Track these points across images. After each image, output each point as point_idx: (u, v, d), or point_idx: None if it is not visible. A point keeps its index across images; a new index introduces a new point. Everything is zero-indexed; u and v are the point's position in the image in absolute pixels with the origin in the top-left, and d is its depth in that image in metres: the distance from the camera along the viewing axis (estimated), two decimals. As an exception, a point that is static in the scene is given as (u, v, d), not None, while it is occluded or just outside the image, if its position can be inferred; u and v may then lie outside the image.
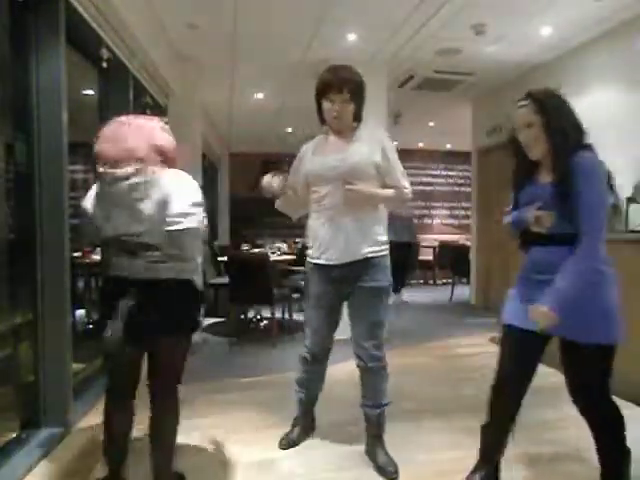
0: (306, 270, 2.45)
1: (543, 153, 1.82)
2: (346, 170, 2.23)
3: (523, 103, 1.85)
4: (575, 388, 1.98)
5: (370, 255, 2.26)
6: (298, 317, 4.78)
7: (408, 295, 7.86)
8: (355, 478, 2.29)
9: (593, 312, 1.81)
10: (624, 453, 1.94)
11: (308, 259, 2.40)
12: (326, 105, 2.27)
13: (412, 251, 7.14)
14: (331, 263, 2.27)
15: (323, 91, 2.27)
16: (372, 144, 2.31)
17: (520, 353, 1.99)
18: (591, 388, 1.95)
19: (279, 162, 2.43)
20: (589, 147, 1.81)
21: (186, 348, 1.90)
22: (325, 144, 2.37)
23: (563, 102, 1.87)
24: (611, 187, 1.84)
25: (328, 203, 2.25)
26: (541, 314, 1.76)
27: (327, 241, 2.26)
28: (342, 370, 3.91)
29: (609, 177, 1.81)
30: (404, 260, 6.00)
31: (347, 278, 2.27)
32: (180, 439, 2.69)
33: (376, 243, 2.29)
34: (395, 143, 2.52)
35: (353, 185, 2.18)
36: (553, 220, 1.79)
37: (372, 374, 2.37)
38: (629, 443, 2.00)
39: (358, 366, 2.40)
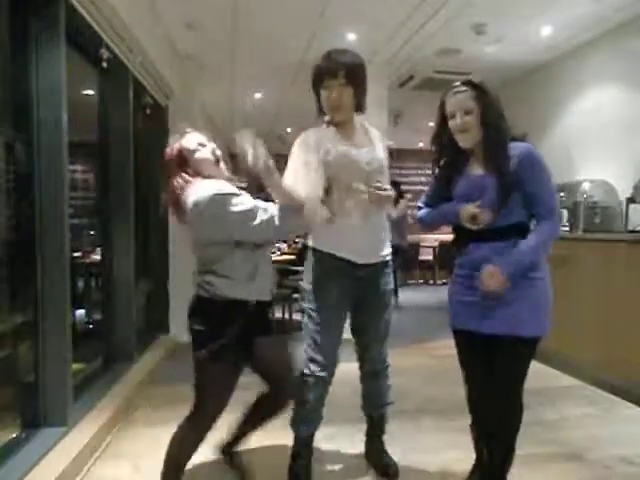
0: (316, 264, 2.09)
1: (475, 142, 1.79)
2: (377, 166, 2.07)
3: (462, 89, 1.81)
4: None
5: (388, 257, 2.17)
6: (298, 317, 4.78)
7: (408, 295, 7.87)
8: (355, 478, 2.29)
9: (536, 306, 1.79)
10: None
11: (324, 249, 2.06)
12: (323, 94, 2.05)
13: (400, 254, 7.10)
14: (359, 262, 2.04)
15: (319, 79, 2.06)
16: (378, 139, 2.22)
17: (472, 357, 1.95)
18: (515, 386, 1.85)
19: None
20: (519, 139, 1.82)
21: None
22: (336, 135, 2.08)
23: (497, 96, 1.84)
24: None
25: (357, 200, 2.00)
26: (491, 274, 1.72)
27: (357, 239, 2.03)
28: (341, 370, 3.91)
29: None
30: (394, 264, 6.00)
31: (367, 279, 2.09)
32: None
33: (388, 245, 2.19)
34: (391, 143, 2.48)
35: (381, 183, 2.01)
36: (490, 217, 1.76)
37: (381, 376, 2.31)
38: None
39: (365, 371, 2.29)
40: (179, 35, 4.25)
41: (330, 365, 2.12)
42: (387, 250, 2.17)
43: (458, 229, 1.90)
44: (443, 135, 1.89)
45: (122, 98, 3.56)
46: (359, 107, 2.17)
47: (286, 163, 2.08)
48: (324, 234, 2.05)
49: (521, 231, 1.79)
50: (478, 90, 1.79)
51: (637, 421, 2.92)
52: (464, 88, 1.81)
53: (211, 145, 2.05)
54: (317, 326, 2.08)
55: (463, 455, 2.48)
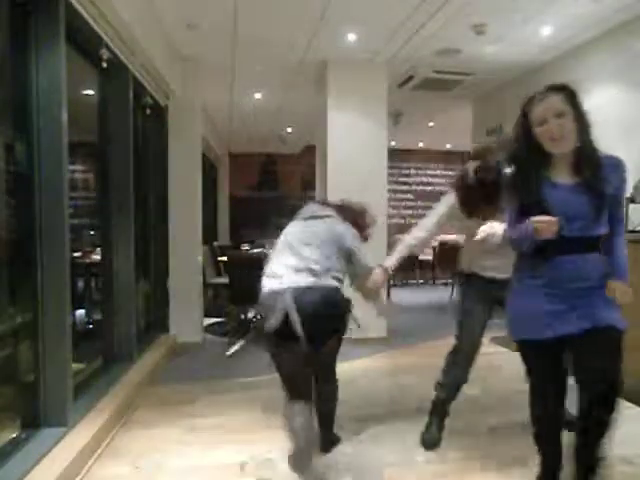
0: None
1: (570, 147, 1.72)
2: None
3: (551, 92, 1.74)
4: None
5: None
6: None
7: (408, 295, 7.87)
8: (355, 478, 2.29)
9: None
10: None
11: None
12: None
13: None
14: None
15: None
16: None
17: (555, 366, 1.89)
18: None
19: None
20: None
21: None
22: None
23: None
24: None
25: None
26: (621, 290, 1.74)
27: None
28: (342, 370, 3.91)
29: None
30: None
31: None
32: (180, 439, 2.70)
33: None
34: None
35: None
36: (557, 227, 1.69)
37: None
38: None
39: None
40: (179, 35, 4.25)
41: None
42: None
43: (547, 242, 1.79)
44: (525, 149, 1.80)
45: (122, 98, 3.56)
46: None
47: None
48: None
49: (601, 242, 1.79)
50: (570, 94, 1.74)
51: (637, 421, 2.91)
52: (553, 91, 1.75)
53: None
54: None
55: (463, 455, 2.48)
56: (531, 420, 1.96)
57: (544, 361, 1.88)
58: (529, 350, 1.90)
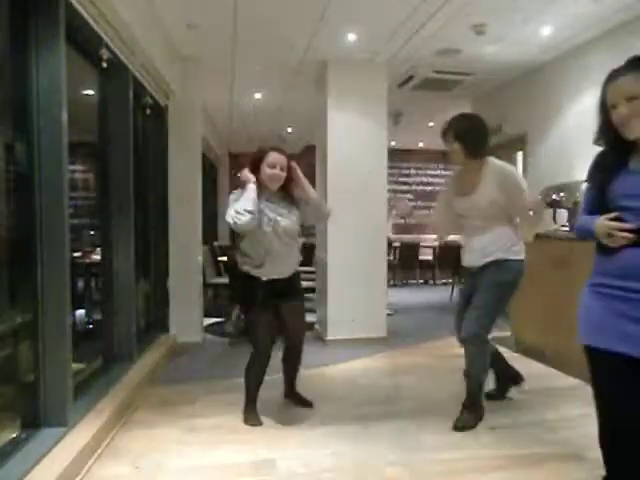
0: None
1: None
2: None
3: (623, 71, 1.52)
4: None
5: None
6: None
7: (408, 295, 7.86)
8: (355, 478, 2.29)
9: None
10: None
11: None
12: None
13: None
14: None
15: None
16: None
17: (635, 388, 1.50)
18: None
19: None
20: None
21: None
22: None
23: None
24: None
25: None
26: None
27: None
28: (342, 370, 3.91)
29: None
30: None
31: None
32: (180, 439, 2.70)
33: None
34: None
35: None
36: (631, 234, 1.44)
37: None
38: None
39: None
40: (179, 35, 4.25)
41: None
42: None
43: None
44: (608, 132, 1.58)
45: (122, 98, 3.55)
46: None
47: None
48: None
49: None
50: None
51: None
52: (625, 70, 1.52)
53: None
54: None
55: (463, 455, 2.48)
56: None
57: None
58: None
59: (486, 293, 2.74)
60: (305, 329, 3.11)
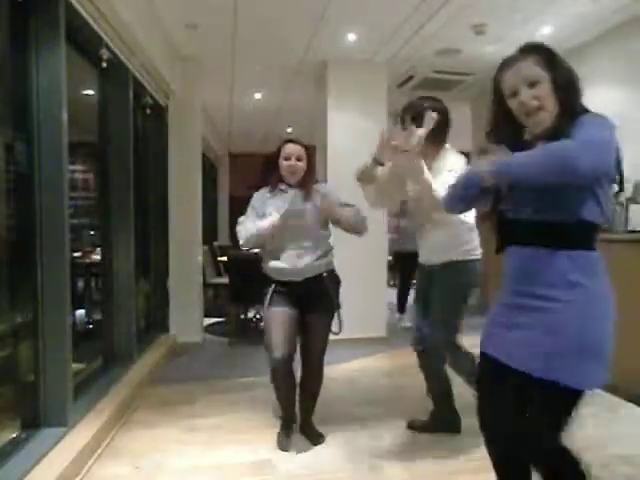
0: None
1: (552, 120, 1.35)
2: None
3: (520, 56, 1.40)
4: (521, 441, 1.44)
5: None
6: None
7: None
8: (354, 478, 2.29)
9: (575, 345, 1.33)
10: None
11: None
12: None
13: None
14: None
15: None
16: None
17: (494, 392, 1.50)
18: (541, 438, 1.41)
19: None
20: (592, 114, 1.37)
21: None
22: None
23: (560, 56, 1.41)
24: (618, 164, 1.38)
25: None
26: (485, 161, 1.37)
27: None
28: (342, 370, 3.91)
29: (617, 149, 1.36)
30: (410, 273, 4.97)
31: None
32: (180, 439, 2.70)
33: None
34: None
35: None
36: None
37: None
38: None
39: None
40: (179, 35, 4.25)
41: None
42: None
43: (501, 223, 1.46)
44: (502, 126, 1.46)
45: (122, 98, 3.56)
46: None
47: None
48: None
49: (585, 235, 1.35)
50: (545, 54, 1.38)
51: (637, 421, 2.92)
52: (521, 56, 1.40)
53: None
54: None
55: (463, 455, 2.48)
56: None
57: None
58: None
59: (444, 299, 2.56)
60: (324, 349, 2.60)
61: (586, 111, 1.38)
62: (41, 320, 2.41)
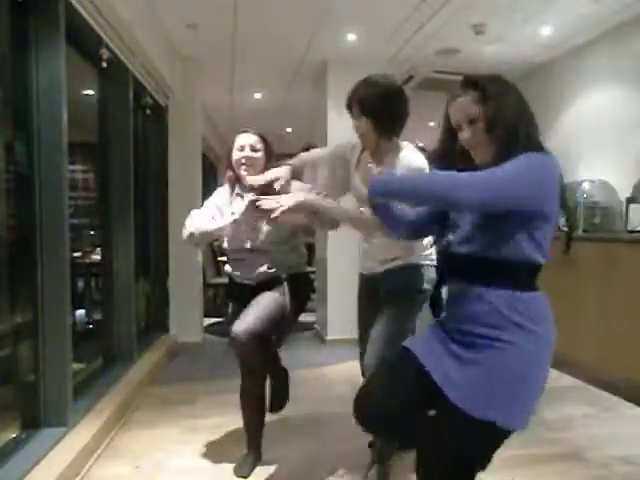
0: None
1: (492, 155, 1.32)
2: None
3: (460, 92, 1.37)
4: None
5: None
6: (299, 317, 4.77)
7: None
8: (355, 478, 2.29)
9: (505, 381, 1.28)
10: None
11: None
12: None
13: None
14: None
15: None
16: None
17: (400, 385, 1.44)
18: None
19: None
20: (543, 149, 1.31)
21: None
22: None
23: (509, 87, 1.36)
24: (563, 201, 1.34)
25: None
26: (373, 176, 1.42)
27: None
28: (342, 370, 3.91)
29: (562, 188, 1.32)
30: None
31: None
32: (180, 439, 2.71)
33: None
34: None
35: None
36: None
37: None
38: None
39: None
40: (179, 35, 4.25)
41: None
42: None
43: (443, 256, 1.47)
44: (452, 152, 1.44)
45: (122, 98, 3.56)
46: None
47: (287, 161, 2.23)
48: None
49: (527, 274, 1.32)
50: (478, 88, 1.34)
51: (637, 421, 2.92)
52: (462, 90, 1.37)
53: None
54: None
55: (463, 455, 2.48)
56: None
57: None
58: None
59: (394, 312, 2.05)
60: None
61: (537, 148, 1.30)
62: (41, 320, 2.41)
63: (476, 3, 3.70)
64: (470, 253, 1.34)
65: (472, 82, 1.35)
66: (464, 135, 1.36)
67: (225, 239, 2.33)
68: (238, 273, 2.35)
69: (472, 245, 1.33)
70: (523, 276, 1.32)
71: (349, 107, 2.03)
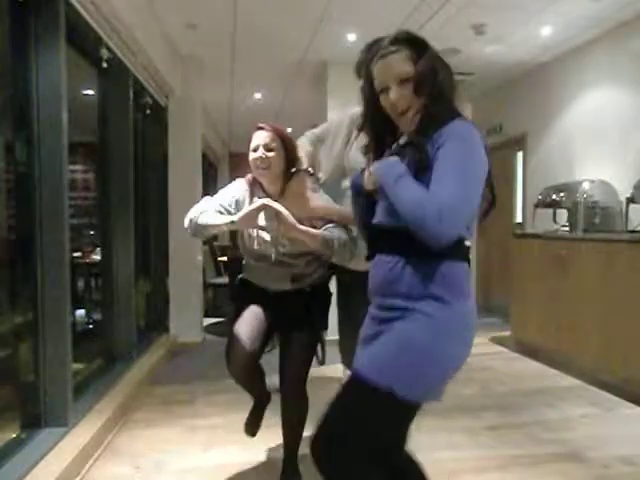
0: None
1: (417, 124, 1.26)
2: None
3: (392, 49, 1.26)
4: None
5: None
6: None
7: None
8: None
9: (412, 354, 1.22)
10: None
11: None
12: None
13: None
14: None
15: None
16: None
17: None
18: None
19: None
20: (461, 115, 1.28)
21: None
22: None
23: (430, 46, 1.32)
24: (488, 174, 1.26)
25: None
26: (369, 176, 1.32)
27: None
28: (342, 370, 3.91)
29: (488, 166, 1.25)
30: None
31: None
32: (180, 439, 2.70)
33: None
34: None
35: None
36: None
37: None
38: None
39: None
40: (179, 35, 4.25)
41: None
42: None
43: (368, 231, 1.41)
44: (375, 119, 1.34)
45: (122, 98, 3.56)
46: None
47: None
48: None
49: (448, 247, 1.19)
50: (415, 46, 1.27)
51: (637, 421, 2.92)
52: (394, 47, 1.26)
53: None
54: None
55: (462, 455, 2.48)
56: None
57: None
58: None
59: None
60: (305, 374, 2.24)
61: (455, 116, 1.25)
62: (41, 320, 2.41)
63: (476, 3, 3.70)
64: (387, 224, 1.28)
65: (407, 39, 1.27)
66: (392, 97, 1.25)
67: (244, 243, 2.10)
68: (257, 280, 2.14)
69: (391, 217, 1.26)
70: (448, 248, 1.21)
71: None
